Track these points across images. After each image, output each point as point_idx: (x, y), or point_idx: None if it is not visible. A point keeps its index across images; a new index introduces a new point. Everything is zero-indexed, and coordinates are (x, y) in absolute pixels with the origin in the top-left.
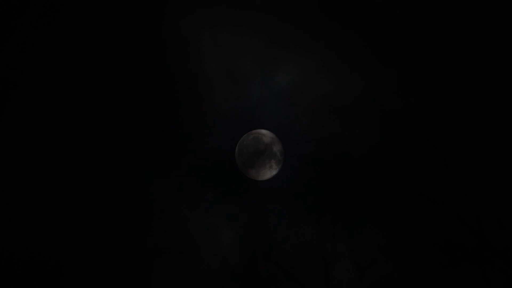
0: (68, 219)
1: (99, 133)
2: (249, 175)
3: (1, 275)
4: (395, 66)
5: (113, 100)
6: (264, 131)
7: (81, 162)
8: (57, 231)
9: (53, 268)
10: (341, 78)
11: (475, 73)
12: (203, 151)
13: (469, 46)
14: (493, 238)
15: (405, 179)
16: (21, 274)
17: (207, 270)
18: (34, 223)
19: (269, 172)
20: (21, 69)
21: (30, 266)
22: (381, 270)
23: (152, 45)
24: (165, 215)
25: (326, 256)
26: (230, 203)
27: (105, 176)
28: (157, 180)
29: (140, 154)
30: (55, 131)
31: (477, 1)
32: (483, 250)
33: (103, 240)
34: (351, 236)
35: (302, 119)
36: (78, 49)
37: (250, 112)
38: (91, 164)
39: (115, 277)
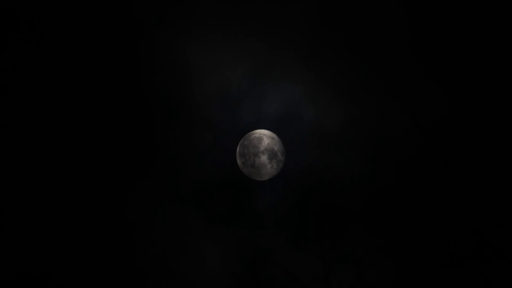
0: (62, 242)
1: (92, 159)
2: (250, 175)
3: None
4: (386, 92)
5: (102, 126)
6: (265, 131)
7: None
8: (48, 245)
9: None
10: (329, 105)
11: (470, 75)
12: (197, 172)
13: (460, 63)
14: (493, 238)
15: (400, 204)
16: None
17: (207, 272)
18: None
19: (270, 172)
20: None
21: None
22: (381, 270)
23: (140, 72)
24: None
25: (326, 256)
26: (231, 205)
27: (96, 205)
28: (155, 205)
29: (135, 183)
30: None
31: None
32: (483, 250)
33: (95, 266)
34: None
35: (290, 147)
36: (64, 78)
37: (238, 139)
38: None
39: None
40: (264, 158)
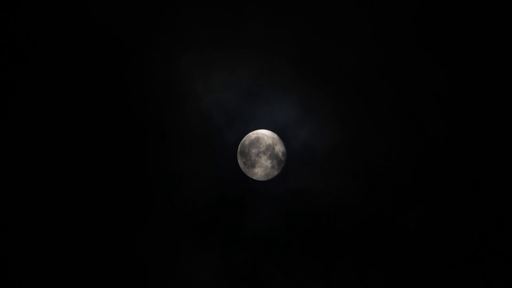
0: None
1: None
2: (251, 175)
3: None
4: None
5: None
6: (266, 131)
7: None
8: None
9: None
10: (320, 128)
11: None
12: (194, 191)
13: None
14: (493, 238)
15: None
16: None
17: (207, 272)
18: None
19: (271, 172)
20: None
21: None
22: (382, 269)
23: (129, 97)
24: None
25: (326, 256)
26: (231, 206)
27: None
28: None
29: (130, 208)
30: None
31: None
32: (483, 250)
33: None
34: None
35: (278, 171)
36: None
37: (227, 165)
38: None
39: None
40: (265, 158)
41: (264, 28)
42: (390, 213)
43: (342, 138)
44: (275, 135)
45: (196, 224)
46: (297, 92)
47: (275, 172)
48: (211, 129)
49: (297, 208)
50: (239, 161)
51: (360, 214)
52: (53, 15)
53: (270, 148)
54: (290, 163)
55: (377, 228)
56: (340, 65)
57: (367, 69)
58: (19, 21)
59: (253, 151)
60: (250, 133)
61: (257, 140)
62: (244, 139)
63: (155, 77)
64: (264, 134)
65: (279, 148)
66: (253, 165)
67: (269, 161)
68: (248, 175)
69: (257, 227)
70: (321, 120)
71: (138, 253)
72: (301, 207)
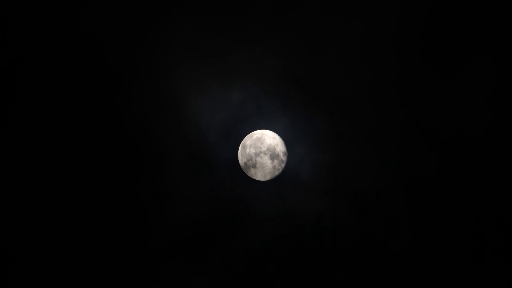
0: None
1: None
2: (251, 175)
3: None
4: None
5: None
6: (267, 132)
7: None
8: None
9: None
10: (310, 151)
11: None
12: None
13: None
14: (493, 238)
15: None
16: None
17: (208, 273)
18: None
19: (271, 172)
20: None
21: None
22: (382, 269)
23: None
24: None
25: (326, 256)
26: (232, 205)
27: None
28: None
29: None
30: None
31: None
32: (483, 250)
33: None
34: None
35: (268, 191)
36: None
37: (220, 185)
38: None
39: None
40: (266, 158)
41: (251, 59)
42: (382, 234)
43: (333, 160)
44: (275, 135)
45: (192, 237)
46: (289, 113)
47: (276, 173)
48: (205, 147)
49: (286, 229)
50: (240, 162)
51: (356, 232)
52: (42, 36)
53: (271, 148)
54: (282, 184)
55: (377, 235)
56: (333, 87)
57: (360, 91)
58: (9, 38)
59: (254, 151)
60: (251, 133)
61: (258, 140)
62: (245, 139)
63: (146, 96)
64: (265, 134)
65: (280, 148)
66: (254, 165)
67: (270, 161)
68: (249, 175)
69: (247, 244)
70: (313, 142)
71: (138, 265)
72: (290, 228)
